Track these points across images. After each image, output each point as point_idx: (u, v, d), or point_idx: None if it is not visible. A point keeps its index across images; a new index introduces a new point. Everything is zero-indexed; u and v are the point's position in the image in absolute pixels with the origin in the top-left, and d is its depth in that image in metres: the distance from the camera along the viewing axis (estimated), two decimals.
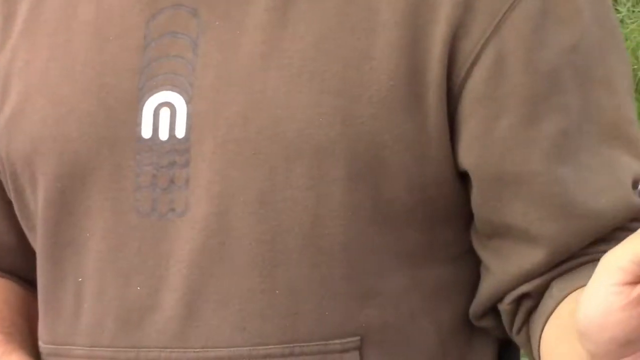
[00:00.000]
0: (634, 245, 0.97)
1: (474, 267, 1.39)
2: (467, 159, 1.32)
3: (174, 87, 1.33)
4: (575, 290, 1.28)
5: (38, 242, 1.44)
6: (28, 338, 1.50)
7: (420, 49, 1.29)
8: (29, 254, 1.47)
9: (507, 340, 1.43)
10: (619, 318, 1.00)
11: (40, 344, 1.46)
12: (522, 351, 1.44)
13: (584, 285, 1.17)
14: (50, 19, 1.41)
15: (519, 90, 1.30)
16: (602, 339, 1.02)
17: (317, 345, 1.33)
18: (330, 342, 1.33)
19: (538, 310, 1.33)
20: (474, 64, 1.30)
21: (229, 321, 1.33)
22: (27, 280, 1.52)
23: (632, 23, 7.24)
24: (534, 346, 1.33)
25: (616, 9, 7.35)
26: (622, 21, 7.21)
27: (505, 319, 1.37)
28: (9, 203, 1.49)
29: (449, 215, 1.36)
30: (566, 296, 1.29)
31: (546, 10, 1.30)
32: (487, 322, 1.39)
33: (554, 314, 1.30)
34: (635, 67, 6.93)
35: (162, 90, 1.34)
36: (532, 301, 1.34)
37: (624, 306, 0.99)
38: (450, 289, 1.40)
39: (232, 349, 1.33)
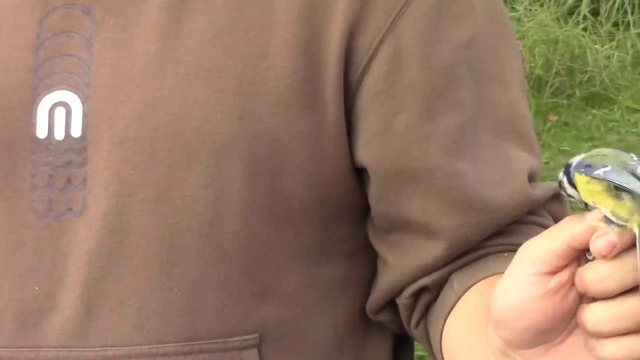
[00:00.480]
0: (554, 238, 1.02)
1: (370, 262, 1.39)
2: (366, 155, 1.32)
3: (69, 86, 1.32)
4: (476, 283, 1.29)
5: None
6: None
7: (317, 47, 1.29)
8: None
9: (403, 335, 1.44)
10: (536, 307, 1.04)
11: None
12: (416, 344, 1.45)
13: (485, 277, 1.19)
14: None
15: (416, 86, 1.30)
16: (518, 327, 1.06)
17: (216, 343, 1.33)
18: (230, 339, 1.33)
19: (437, 304, 1.34)
20: (370, 60, 1.30)
21: (128, 320, 1.32)
22: None
23: (529, 21, 7.31)
24: (434, 340, 1.34)
25: (513, 8, 7.41)
26: (519, 19, 7.28)
27: (403, 313, 1.37)
28: None
29: (345, 212, 1.37)
30: (467, 289, 1.30)
31: (440, 8, 1.31)
32: (384, 317, 1.40)
33: (456, 307, 1.30)
34: (532, 64, 6.98)
35: (57, 89, 1.33)
36: (430, 294, 1.35)
37: (541, 296, 1.03)
38: (346, 284, 1.40)
39: (131, 347, 1.32)
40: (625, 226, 0.99)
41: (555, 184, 1.27)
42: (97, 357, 1.33)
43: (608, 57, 7.45)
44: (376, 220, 1.37)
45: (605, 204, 1.01)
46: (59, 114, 1.32)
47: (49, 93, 1.33)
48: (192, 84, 1.30)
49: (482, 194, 1.31)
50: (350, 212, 1.37)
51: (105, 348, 1.32)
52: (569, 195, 1.06)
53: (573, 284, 1.03)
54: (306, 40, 1.29)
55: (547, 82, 7.07)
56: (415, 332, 1.38)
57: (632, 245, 1.00)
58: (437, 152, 1.30)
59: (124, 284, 1.32)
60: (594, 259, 1.01)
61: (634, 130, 6.90)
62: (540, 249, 1.04)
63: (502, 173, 1.32)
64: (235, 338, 1.33)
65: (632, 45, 7.67)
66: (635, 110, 7.13)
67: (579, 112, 7.04)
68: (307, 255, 1.36)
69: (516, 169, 1.33)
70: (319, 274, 1.37)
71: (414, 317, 1.36)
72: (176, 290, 1.32)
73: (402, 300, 1.36)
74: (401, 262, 1.35)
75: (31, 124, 1.33)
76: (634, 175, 1.00)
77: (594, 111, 7.07)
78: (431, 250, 1.32)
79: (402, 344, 1.46)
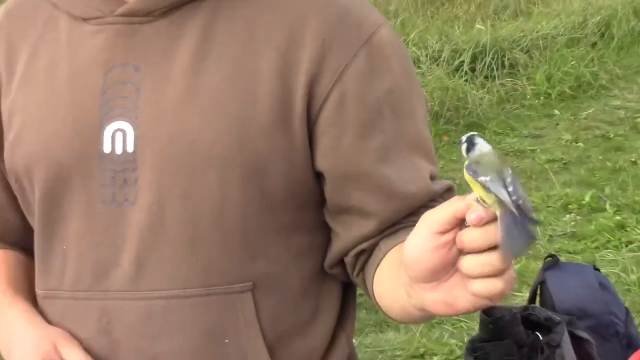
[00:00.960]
0: (445, 209, 1.06)
1: (327, 234, 1.39)
2: (322, 164, 1.33)
3: (125, 118, 1.32)
4: (395, 245, 1.30)
5: (35, 223, 1.41)
6: (29, 292, 1.46)
7: (289, 93, 1.30)
8: (29, 232, 1.44)
9: (348, 283, 1.43)
10: (429, 255, 1.08)
11: (37, 290, 1.44)
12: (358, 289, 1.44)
13: (400, 242, 1.20)
14: (39, 74, 1.38)
15: (354, 118, 1.31)
16: (417, 268, 1.10)
17: (224, 288, 1.33)
18: (233, 286, 1.33)
19: (370, 261, 1.35)
20: (324, 102, 1.30)
21: (166, 273, 1.32)
22: (27, 250, 1.48)
23: (429, 75, 7.31)
24: (369, 285, 1.35)
25: (419, 66, 7.40)
26: (423, 74, 7.27)
27: (348, 267, 1.38)
28: (14, 197, 1.46)
29: (310, 201, 1.36)
30: (390, 250, 1.31)
31: (371, 67, 1.31)
32: (336, 270, 1.40)
33: (381, 262, 1.32)
34: (432, 103, 6.98)
35: (117, 120, 1.32)
36: (366, 255, 1.35)
37: (434, 247, 1.07)
38: (311, 249, 1.39)
39: (168, 291, 1.32)
40: (489, 207, 1.02)
41: (448, 181, 1.36)
42: (144, 298, 1.33)
43: (481, 99, 7.45)
44: (330, 207, 1.37)
45: (478, 192, 1.04)
46: (118, 136, 1.32)
47: (111, 123, 1.32)
48: (206, 118, 1.29)
49: (400, 188, 1.31)
50: (313, 201, 1.36)
51: (151, 291, 1.32)
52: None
53: (455, 242, 1.06)
54: (281, 89, 1.29)
55: (441, 115, 7.07)
56: (357, 280, 1.38)
57: (494, 219, 1.02)
58: (370, 161, 1.31)
59: (162, 250, 1.31)
60: (468, 226, 1.04)
61: (498, 146, 6.90)
62: (436, 216, 1.07)
63: (413, 175, 1.33)
64: (237, 285, 1.33)
65: (497, 91, 7.68)
66: (499, 134, 7.14)
67: (463, 134, 6.95)
68: (284, 230, 1.36)
69: (422, 172, 1.34)
70: (292, 243, 1.37)
71: (356, 270, 1.37)
72: (197, 254, 1.32)
73: (348, 259, 1.37)
74: (347, 234, 1.35)
75: (100, 143, 1.32)
76: (504, 182, 1.02)
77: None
78: (366, 226, 1.33)
79: (347, 289, 1.45)
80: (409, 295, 1.17)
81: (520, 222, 1.01)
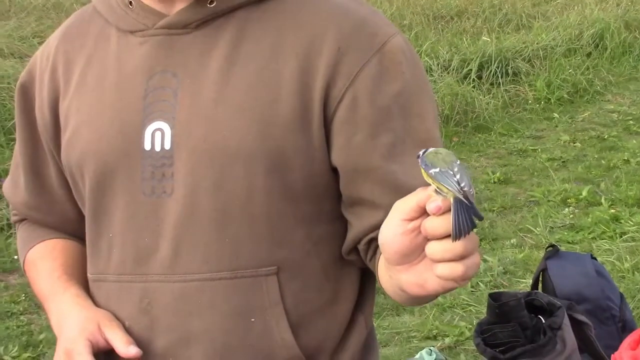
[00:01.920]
0: (410, 199, 1.07)
1: (343, 224, 1.38)
2: (337, 159, 1.33)
3: (164, 119, 1.33)
4: None
5: (86, 213, 1.42)
6: (83, 277, 1.47)
7: (308, 96, 1.30)
8: (83, 223, 1.45)
9: (366, 269, 1.42)
10: (399, 239, 1.10)
11: (88, 274, 1.45)
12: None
13: None
14: (91, 81, 1.39)
15: (365, 118, 1.31)
16: (389, 251, 1.12)
17: (251, 271, 1.33)
18: (259, 269, 1.33)
19: (379, 249, 1.33)
20: (339, 103, 1.30)
21: (198, 258, 1.33)
22: (83, 239, 1.48)
23: (441, 82, 7.28)
24: (375, 270, 1.34)
25: (431, 75, 7.39)
26: (435, 81, 7.26)
27: (362, 254, 1.37)
28: (71, 191, 1.47)
29: (329, 193, 1.36)
30: None
31: (382, 71, 1.31)
32: (352, 257, 1.39)
33: None
34: (443, 107, 6.97)
35: (156, 121, 1.33)
36: (376, 243, 1.33)
37: (402, 233, 1.09)
38: (330, 237, 1.39)
39: (200, 274, 1.33)
40: (446, 196, 1.03)
41: None
42: (179, 280, 1.33)
43: (487, 103, 7.43)
44: (344, 198, 1.36)
45: (432, 183, 1.05)
46: (157, 135, 1.32)
47: (151, 123, 1.33)
48: (235, 118, 1.30)
49: (406, 183, 1.29)
50: (331, 193, 1.36)
51: (185, 275, 1.33)
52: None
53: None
54: (301, 91, 1.30)
55: (451, 118, 7.05)
56: (370, 264, 1.37)
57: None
58: (379, 158, 1.31)
59: (195, 236, 1.32)
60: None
61: (503, 146, 6.90)
62: (403, 205, 1.09)
63: (418, 171, 1.30)
64: (263, 269, 1.33)
65: (502, 96, 7.65)
66: (503, 135, 7.11)
67: (471, 136, 7.02)
68: (306, 219, 1.35)
69: None
70: (313, 231, 1.36)
71: (368, 256, 1.36)
72: (227, 240, 1.32)
73: (361, 246, 1.36)
74: (359, 223, 1.34)
75: (141, 141, 1.33)
76: (452, 171, 1.04)
77: (479, 135, 7.05)
78: (375, 217, 1.31)
79: (366, 275, 1.44)
80: (390, 276, 1.19)
81: (465, 206, 1.02)
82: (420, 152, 1.09)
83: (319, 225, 1.37)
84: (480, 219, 1.02)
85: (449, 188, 1.03)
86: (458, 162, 1.06)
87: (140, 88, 1.34)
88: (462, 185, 1.02)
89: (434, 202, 1.04)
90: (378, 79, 1.30)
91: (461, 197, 1.02)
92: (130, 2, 1.38)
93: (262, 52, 1.31)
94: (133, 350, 1.34)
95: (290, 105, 1.29)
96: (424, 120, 1.34)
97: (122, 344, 1.34)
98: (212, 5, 1.33)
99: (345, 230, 1.38)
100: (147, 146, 1.33)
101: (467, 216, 1.02)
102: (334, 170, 1.34)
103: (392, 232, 1.10)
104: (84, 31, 1.44)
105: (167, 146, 1.32)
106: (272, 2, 1.34)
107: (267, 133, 1.29)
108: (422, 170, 1.07)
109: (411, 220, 1.08)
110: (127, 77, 1.36)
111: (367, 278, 1.44)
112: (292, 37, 1.31)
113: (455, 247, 1.03)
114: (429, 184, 1.06)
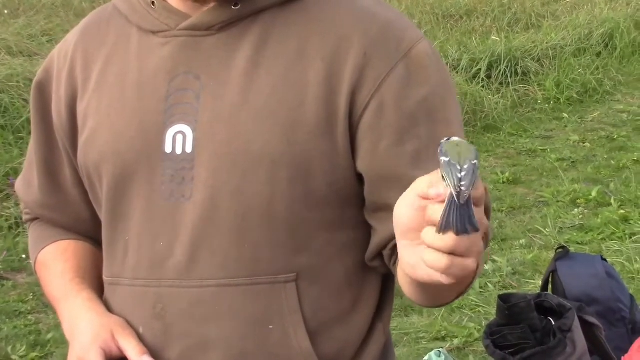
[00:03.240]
0: (425, 178, 1.05)
1: (367, 230, 1.37)
2: (362, 166, 1.31)
3: (185, 122, 1.32)
4: None
5: (102, 216, 1.42)
6: (95, 280, 1.47)
7: (333, 101, 1.29)
8: (99, 224, 1.44)
9: (387, 276, 1.42)
10: (411, 212, 1.07)
11: (104, 277, 1.44)
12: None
13: None
14: (111, 81, 1.38)
15: (391, 125, 1.29)
16: (399, 222, 1.10)
17: (270, 277, 1.32)
18: (278, 276, 1.32)
19: None
20: (364, 109, 1.29)
21: (216, 263, 1.31)
22: (97, 241, 1.48)
23: (467, 85, 7.27)
24: (395, 270, 1.33)
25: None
26: (459, 83, 7.24)
27: (386, 259, 1.36)
28: (86, 192, 1.46)
29: (353, 199, 1.35)
30: None
31: (408, 77, 1.30)
32: (375, 263, 1.38)
33: None
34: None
35: (178, 123, 1.32)
36: None
37: (411, 205, 1.07)
38: (353, 244, 1.38)
39: (217, 280, 1.32)
40: (447, 187, 1.01)
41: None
42: (195, 286, 1.32)
43: (496, 103, 7.41)
44: (368, 204, 1.35)
45: (441, 172, 1.03)
46: (178, 138, 1.32)
47: (173, 125, 1.32)
48: (258, 121, 1.29)
49: None
50: (355, 200, 1.35)
51: (201, 280, 1.32)
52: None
53: None
54: (326, 96, 1.29)
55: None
56: (393, 269, 1.35)
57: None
58: (404, 165, 1.29)
59: (213, 242, 1.31)
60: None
61: (512, 146, 6.88)
62: (421, 182, 1.06)
63: None
64: (281, 276, 1.32)
65: (511, 96, 7.64)
66: (512, 134, 7.09)
67: (480, 135, 7.01)
68: (328, 226, 1.34)
69: None
70: (336, 237, 1.36)
71: (392, 260, 1.34)
72: (246, 245, 1.31)
73: (386, 252, 1.34)
74: (383, 229, 1.32)
75: (162, 144, 1.32)
76: (460, 167, 1.02)
77: (488, 135, 7.04)
78: None
79: (386, 282, 1.43)
80: (400, 257, 1.15)
81: (457, 205, 1.00)
82: (444, 139, 1.07)
83: (342, 231, 1.36)
84: (473, 227, 1.00)
85: (448, 181, 1.01)
86: (474, 161, 1.03)
87: (162, 89, 1.33)
88: (462, 183, 1.00)
89: (435, 189, 1.02)
90: (404, 85, 1.29)
91: (454, 193, 1.00)
92: (153, 2, 1.37)
93: (287, 56, 1.30)
94: None
95: (315, 110, 1.28)
96: (450, 126, 1.32)
97: (135, 354, 1.33)
98: (236, 8, 1.32)
99: (369, 236, 1.36)
100: (168, 149, 1.32)
101: (458, 215, 0.99)
102: (359, 177, 1.32)
103: (405, 203, 1.08)
104: (103, 30, 1.43)
105: (189, 149, 1.31)
106: (297, 5, 1.33)
107: (291, 138, 1.28)
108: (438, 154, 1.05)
109: (425, 198, 1.05)
110: (148, 77, 1.35)
111: (387, 286, 1.43)
112: (317, 41, 1.30)
113: (445, 239, 1.00)
114: None
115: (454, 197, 1.00)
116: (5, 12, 8.14)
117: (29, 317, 4.27)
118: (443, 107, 1.33)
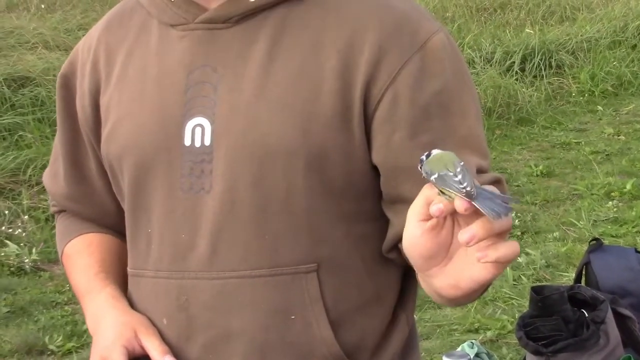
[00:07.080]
0: (418, 200, 1.08)
1: (384, 222, 1.35)
2: (377, 158, 1.30)
3: (204, 115, 1.31)
4: None
5: (125, 208, 1.41)
6: (119, 273, 1.47)
7: (348, 93, 1.27)
8: (123, 216, 1.44)
9: (408, 266, 1.37)
10: (420, 242, 1.09)
11: (128, 268, 1.43)
12: None
13: None
14: (132, 75, 1.38)
15: (406, 117, 1.28)
16: (414, 256, 1.12)
17: (291, 268, 1.31)
18: (299, 267, 1.31)
19: None
20: (379, 102, 1.28)
21: (237, 255, 1.30)
22: (121, 233, 1.47)
23: (483, 75, 7.24)
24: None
25: (473, 67, 7.34)
26: (477, 74, 7.21)
27: (402, 252, 1.32)
28: (110, 183, 1.46)
29: (369, 191, 1.33)
30: None
31: (423, 69, 1.28)
32: (393, 255, 1.36)
33: None
34: (485, 100, 6.93)
35: (197, 116, 1.31)
36: None
37: (421, 234, 1.09)
38: (373, 236, 1.36)
39: (239, 271, 1.31)
40: (449, 199, 1.04)
41: (496, 174, 1.33)
42: (217, 277, 1.31)
43: (530, 96, 7.38)
44: (384, 196, 1.33)
45: (438, 189, 1.05)
46: (197, 131, 1.31)
47: (192, 118, 1.31)
48: (275, 114, 1.27)
49: None
50: (372, 192, 1.33)
51: (223, 272, 1.31)
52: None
53: (444, 226, 1.09)
54: (342, 90, 1.27)
55: (494, 111, 7.00)
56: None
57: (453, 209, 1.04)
58: (418, 157, 1.24)
59: (234, 233, 1.30)
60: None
61: (546, 139, 6.85)
62: (415, 206, 1.09)
63: None
64: (302, 266, 1.31)
65: (545, 89, 7.61)
66: (546, 127, 7.06)
67: (513, 128, 6.98)
68: (346, 217, 1.33)
69: (469, 166, 1.28)
70: (354, 229, 1.34)
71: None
72: (266, 237, 1.30)
73: (401, 245, 1.32)
74: (399, 221, 1.29)
75: (181, 136, 1.31)
76: (453, 172, 1.04)
77: (522, 128, 7.01)
78: None
79: (408, 272, 1.41)
80: (423, 280, 1.19)
81: (477, 202, 1.01)
82: (424, 156, 1.09)
83: (360, 223, 1.34)
84: (508, 203, 1.02)
85: (450, 192, 1.03)
86: (461, 162, 1.06)
87: (181, 83, 1.33)
88: (464, 185, 1.02)
89: (436, 206, 1.04)
90: (419, 78, 1.28)
91: (465, 196, 1.01)
92: None
93: (303, 48, 1.29)
94: None
95: (331, 102, 1.27)
96: (466, 118, 1.31)
97: (158, 354, 1.33)
98: (253, 1, 1.31)
99: (386, 228, 1.35)
100: (187, 142, 1.31)
101: (488, 204, 1.01)
102: (375, 169, 1.31)
103: (411, 235, 1.10)
104: (125, 23, 1.43)
105: (207, 142, 1.30)
106: None
107: (307, 130, 1.27)
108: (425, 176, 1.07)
109: (426, 220, 1.07)
110: (167, 71, 1.34)
111: (409, 276, 1.42)
112: (333, 33, 1.29)
113: (482, 222, 1.02)
114: None
115: (469, 200, 1.01)
116: (42, 6, 8.23)
117: (66, 307, 4.31)
118: (458, 98, 1.31)
